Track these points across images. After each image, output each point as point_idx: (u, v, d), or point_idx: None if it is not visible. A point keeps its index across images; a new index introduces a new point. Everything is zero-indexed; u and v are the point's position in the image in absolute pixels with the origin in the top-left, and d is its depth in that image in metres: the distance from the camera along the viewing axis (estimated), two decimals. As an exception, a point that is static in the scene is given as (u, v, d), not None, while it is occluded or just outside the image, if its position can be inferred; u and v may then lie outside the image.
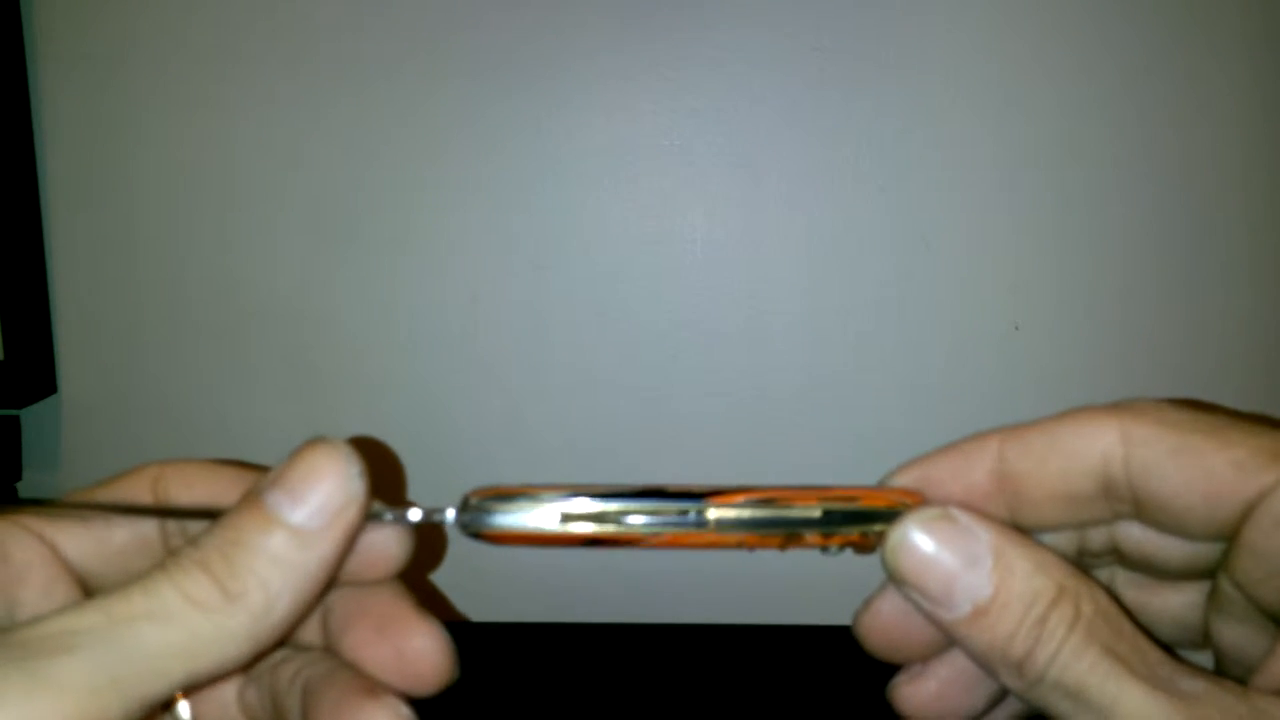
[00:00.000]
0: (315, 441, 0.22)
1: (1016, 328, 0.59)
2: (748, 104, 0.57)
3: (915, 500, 0.24)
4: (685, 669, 0.56)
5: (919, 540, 0.22)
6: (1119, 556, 0.26)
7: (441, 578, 0.60)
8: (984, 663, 0.22)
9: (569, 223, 0.59)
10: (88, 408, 0.61)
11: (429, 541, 0.58)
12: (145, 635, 0.19)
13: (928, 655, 0.26)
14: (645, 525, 0.23)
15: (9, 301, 0.58)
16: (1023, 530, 0.24)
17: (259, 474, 0.23)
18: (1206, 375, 0.59)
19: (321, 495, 0.21)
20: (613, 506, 0.23)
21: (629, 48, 0.57)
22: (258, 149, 0.59)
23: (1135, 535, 0.25)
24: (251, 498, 0.22)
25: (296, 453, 0.22)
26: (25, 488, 0.61)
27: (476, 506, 0.23)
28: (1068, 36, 0.56)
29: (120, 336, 0.61)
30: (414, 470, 0.60)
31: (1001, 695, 0.26)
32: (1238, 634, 0.24)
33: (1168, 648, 0.22)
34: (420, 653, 0.24)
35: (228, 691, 0.26)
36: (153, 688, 0.19)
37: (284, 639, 0.22)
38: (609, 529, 0.23)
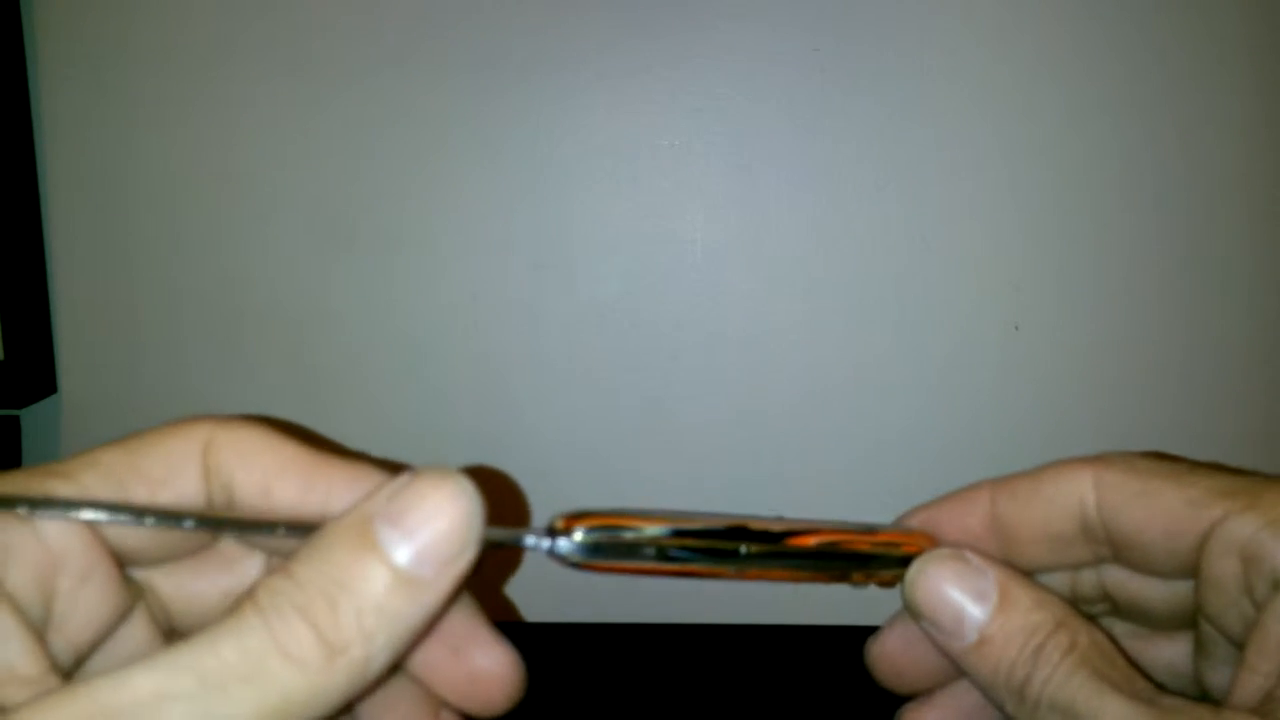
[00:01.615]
0: (433, 471, 0.20)
1: (1016, 328, 0.59)
2: (748, 104, 0.57)
3: (933, 543, 0.27)
4: (684, 669, 0.56)
5: (935, 577, 0.25)
6: (1112, 605, 0.28)
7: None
8: (988, 689, 0.24)
9: (569, 223, 0.59)
10: (88, 408, 0.61)
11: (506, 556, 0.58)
12: (240, 701, 0.17)
13: (934, 686, 0.28)
14: (731, 563, 0.25)
15: (9, 301, 0.58)
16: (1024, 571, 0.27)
17: (329, 462, 0.22)
18: (1206, 375, 0.59)
19: (438, 538, 0.19)
20: (705, 544, 0.25)
21: (629, 48, 0.57)
22: (258, 149, 0.59)
23: (1119, 578, 0.27)
24: (358, 526, 0.19)
25: (413, 481, 0.19)
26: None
27: (570, 533, 0.23)
28: (1068, 36, 0.56)
29: (120, 336, 0.61)
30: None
31: None
32: (1224, 676, 0.25)
33: (1158, 684, 0.23)
34: (494, 676, 0.24)
35: None
36: None
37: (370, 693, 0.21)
38: (700, 565, 0.25)
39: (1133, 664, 0.24)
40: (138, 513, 0.21)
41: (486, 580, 0.61)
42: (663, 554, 0.24)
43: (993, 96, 0.57)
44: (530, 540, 0.23)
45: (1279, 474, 0.26)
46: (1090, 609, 0.28)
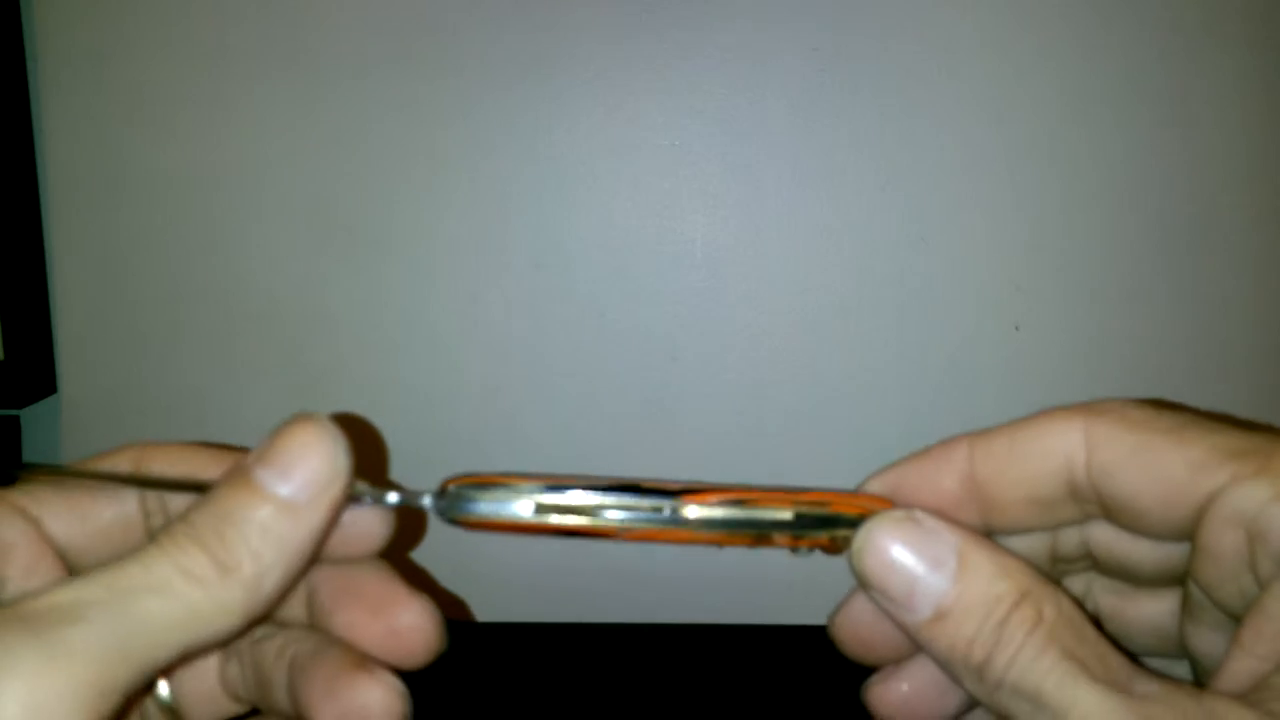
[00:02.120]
0: (300, 417, 0.22)
1: (1017, 328, 0.59)
2: (748, 104, 0.57)
3: (884, 505, 0.24)
4: (679, 669, 0.56)
5: (883, 543, 0.23)
6: (1093, 562, 0.26)
7: (459, 575, 0.60)
8: (946, 667, 0.22)
9: (569, 222, 0.59)
10: (88, 408, 0.61)
11: (410, 523, 0.58)
12: (147, 607, 0.20)
13: (901, 657, 0.26)
14: (619, 520, 0.23)
15: (9, 301, 0.58)
16: (990, 535, 0.25)
17: (240, 454, 0.24)
18: (1207, 374, 0.59)
19: (308, 470, 0.22)
20: (588, 500, 0.23)
21: (629, 48, 0.57)
22: (258, 149, 0.59)
23: (1106, 537, 0.25)
24: (239, 472, 0.22)
25: (281, 428, 0.22)
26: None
27: (454, 494, 0.24)
28: (1068, 35, 0.56)
29: (120, 336, 0.61)
30: (413, 470, 0.59)
31: (976, 700, 0.26)
32: (1211, 642, 0.24)
33: (1134, 656, 0.22)
34: (413, 629, 0.24)
35: (209, 668, 0.27)
36: (155, 657, 0.20)
37: (271, 611, 0.22)
38: (583, 521, 0.24)
39: (1105, 635, 0.22)
40: (82, 474, 0.27)
41: (428, 583, 0.61)
42: (543, 511, 0.23)
43: (993, 96, 0.57)
44: (426, 501, 0.24)
45: None
46: (1070, 567, 0.26)
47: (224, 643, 0.22)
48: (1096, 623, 0.22)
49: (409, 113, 0.58)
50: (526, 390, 0.60)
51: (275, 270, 0.60)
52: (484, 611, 0.61)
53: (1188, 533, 0.23)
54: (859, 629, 0.26)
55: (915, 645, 0.23)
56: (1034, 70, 0.57)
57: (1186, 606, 0.24)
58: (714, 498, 0.24)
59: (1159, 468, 0.22)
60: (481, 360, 0.60)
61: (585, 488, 0.24)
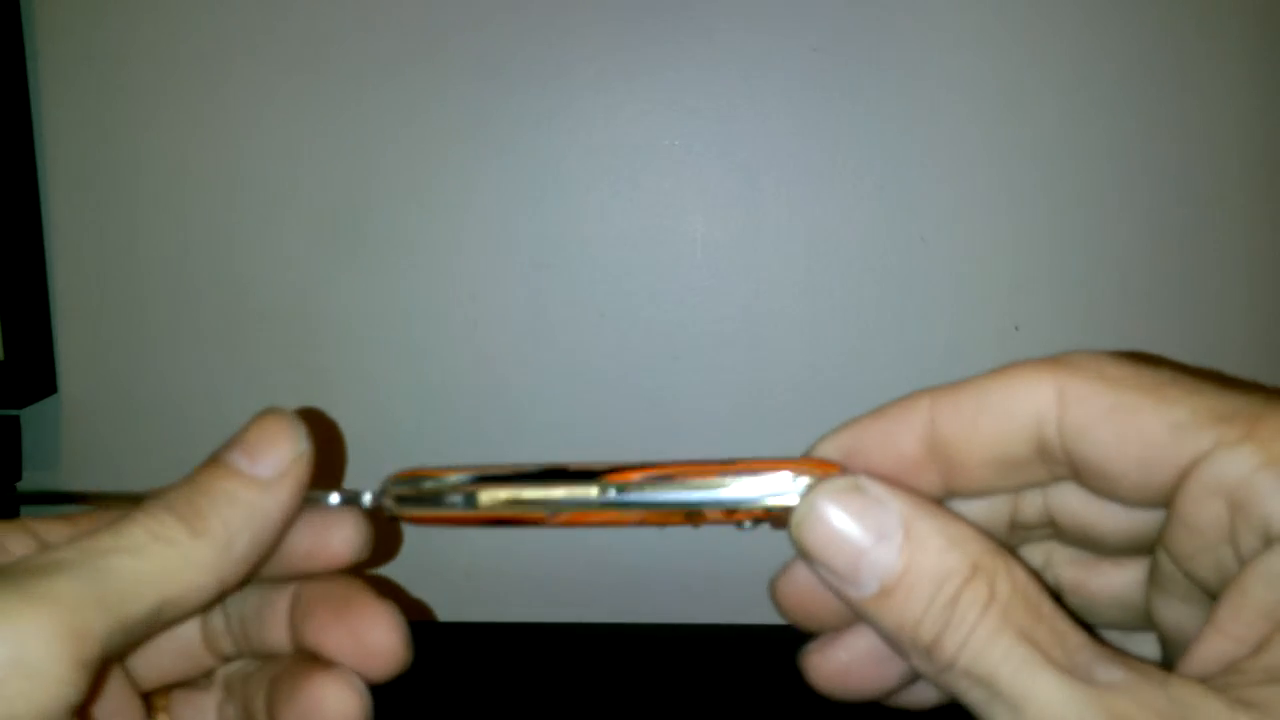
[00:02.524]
0: (267, 410, 0.25)
1: (1016, 328, 0.59)
2: (747, 104, 0.57)
3: (829, 470, 0.23)
4: (672, 670, 0.56)
5: (826, 513, 0.21)
6: (1056, 529, 0.24)
7: (432, 575, 0.60)
8: (893, 644, 0.21)
9: (569, 222, 0.59)
10: (88, 408, 0.61)
11: (386, 537, 0.58)
12: (120, 563, 0.21)
13: (845, 625, 0.24)
14: (546, 504, 0.23)
15: (9, 301, 0.58)
16: (950, 499, 0.23)
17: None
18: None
19: (275, 451, 0.24)
20: (515, 492, 0.24)
21: (629, 48, 0.57)
22: (258, 149, 0.59)
23: (1072, 502, 0.23)
24: (212, 458, 0.24)
25: (252, 420, 0.25)
26: (25, 488, 0.61)
27: (390, 491, 0.25)
28: (1066, 35, 0.56)
29: (120, 336, 0.61)
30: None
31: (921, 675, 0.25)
32: (1180, 614, 0.22)
33: (1095, 631, 0.21)
34: (377, 638, 0.25)
35: (208, 706, 0.27)
36: (130, 610, 0.21)
37: (242, 580, 0.24)
38: (512, 510, 0.24)
39: (1065, 609, 0.20)
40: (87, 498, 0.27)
41: (394, 590, 0.61)
42: (472, 503, 0.24)
43: (993, 96, 0.57)
44: (366, 499, 0.25)
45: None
46: (1030, 534, 0.25)
47: (198, 608, 0.22)
48: (1056, 596, 0.21)
49: (409, 114, 0.58)
50: (527, 389, 0.60)
51: (276, 270, 0.60)
52: (475, 612, 0.61)
53: (1163, 499, 0.21)
54: (801, 594, 0.24)
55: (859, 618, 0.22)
56: (1035, 70, 0.57)
57: (1155, 577, 0.23)
58: (638, 475, 0.23)
59: (1137, 429, 0.21)
60: (482, 359, 0.60)
61: (511, 477, 0.24)
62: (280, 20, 0.58)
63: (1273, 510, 0.19)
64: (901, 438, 0.23)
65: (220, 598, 0.23)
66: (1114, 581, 0.24)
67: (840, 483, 0.22)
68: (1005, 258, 0.58)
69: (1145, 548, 0.23)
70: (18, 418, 0.60)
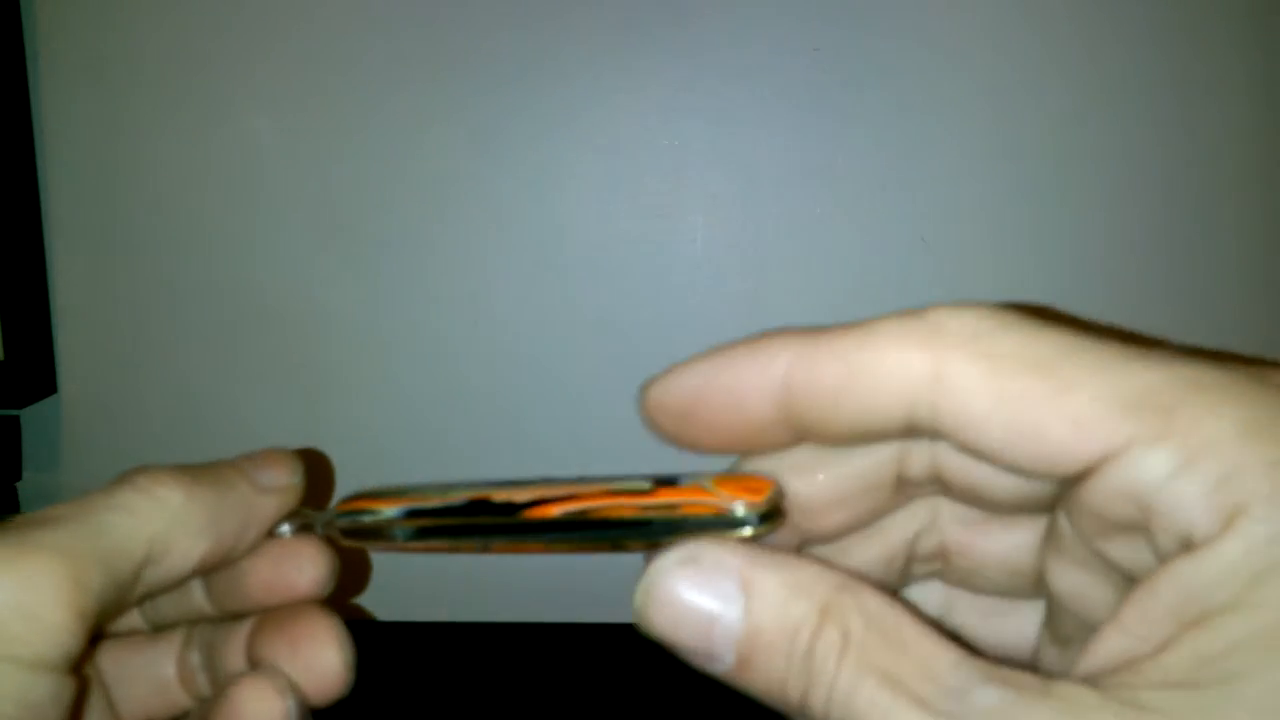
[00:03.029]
0: (274, 449, 0.27)
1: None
2: (748, 104, 0.57)
3: (758, 491, 0.21)
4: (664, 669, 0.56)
5: (665, 595, 0.20)
6: (943, 485, 0.22)
7: (423, 574, 0.60)
8: (774, 704, 0.20)
9: (568, 222, 0.59)
10: (88, 408, 0.61)
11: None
12: (112, 518, 0.22)
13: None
14: (474, 539, 0.24)
15: (9, 301, 0.58)
16: (778, 548, 0.21)
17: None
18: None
19: (275, 470, 0.26)
20: (443, 522, 0.24)
21: (629, 47, 0.57)
22: (258, 149, 0.59)
23: (959, 462, 0.21)
24: (218, 461, 0.26)
25: (260, 453, 0.27)
26: (25, 488, 0.61)
27: (334, 521, 0.26)
28: (1070, 34, 0.56)
29: (120, 336, 0.61)
30: (411, 472, 0.59)
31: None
32: (1076, 581, 0.21)
33: (965, 644, 0.19)
34: (318, 651, 0.26)
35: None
36: (122, 565, 0.22)
37: (226, 560, 0.25)
38: (445, 543, 0.24)
39: (928, 623, 0.19)
40: None
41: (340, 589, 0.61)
42: (410, 534, 0.24)
43: (995, 96, 0.57)
44: (318, 528, 0.27)
45: (1215, 349, 0.19)
46: (918, 491, 0.22)
47: (182, 574, 0.24)
48: (934, 617, 0.20)
49: (408, 114, 0.58)
50: (526, 390, 0.60)
51: (275, 271, 0.60)
52: (469, 612, 0.61)
53: (1064, 487, 0.19)
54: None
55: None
56: (1036, 70, 0.57)
57: (1051, 541, 0.21)
58: (557, 510, 0.23)
59: (1031, 425, 0.18)
60: (480, 360, 0.60)
61: (439, 511, 0.24)
62: (281, 20, 0.58)
63: (1194, 518, 0.17)
64: (750, 399, 0.21)
65: (201, 572, 0.25)
66: (1003, 544, 0.22)
67: (673, 557, 0.20)
68: (1007, 259, 0.58)
69: (1038, 508, 0.21)
70: (18, 418, 0.60)
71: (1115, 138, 0.57)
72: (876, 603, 0.19)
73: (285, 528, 0.27)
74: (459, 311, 0.60)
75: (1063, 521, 0.20)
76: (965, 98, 0.57)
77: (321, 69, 0.58)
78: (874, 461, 0.22)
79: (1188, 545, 0.17)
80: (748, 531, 0.21)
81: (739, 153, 0.58)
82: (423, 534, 0.24)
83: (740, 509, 0.21)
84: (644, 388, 0.23)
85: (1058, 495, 0.20)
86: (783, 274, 0.59)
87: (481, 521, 0.23)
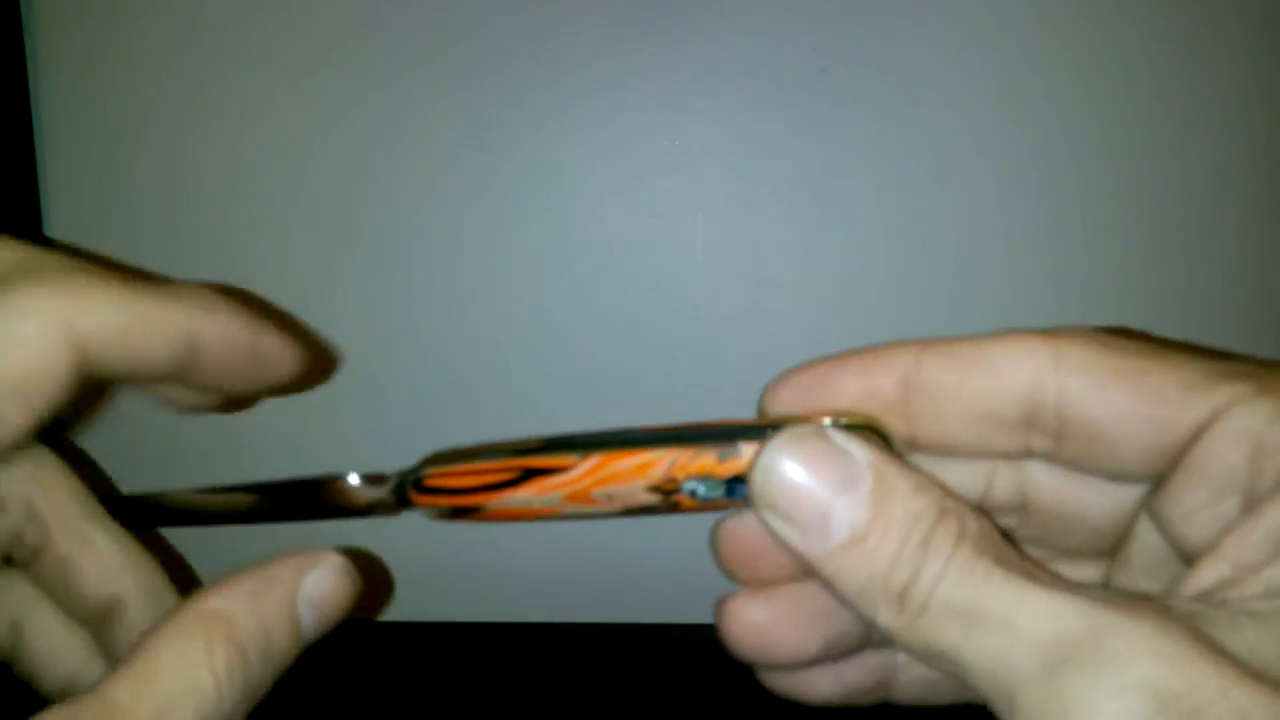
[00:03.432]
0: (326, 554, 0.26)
1: (1017, 328, 0.59)
2: (748, 104, 0.57)
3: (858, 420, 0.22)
4: (661, 670, 0.56)
5: (789, 463, 0.20)
6: (1024, 514, 0.24)
7: (424, 574, 0.60)
8: (860, 598, 0.20)
9: (568, 222, 0.59)
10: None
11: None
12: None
13: (782, 579, 0.23)
14: (529, 503, 0.24)
15: (9, 301, 0.58)
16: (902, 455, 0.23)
17: None
18: (1208, 376, 0.59)
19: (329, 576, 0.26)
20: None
21: (629, 47, 0.57)
22: (258, 150, 0.59)
23: (1049, 480, 0.23)
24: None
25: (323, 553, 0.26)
26: (25, 488, 0.61)
27: (407, 477, 0.25)
28: (1072, 37, 0.56)
29: (120, 336, 0.61)
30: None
31: (836, 651, 0.24)
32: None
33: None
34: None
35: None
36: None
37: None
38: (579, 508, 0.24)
39: (1025, 555, 0.20)
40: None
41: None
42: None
43: (996, 97, 0.57)
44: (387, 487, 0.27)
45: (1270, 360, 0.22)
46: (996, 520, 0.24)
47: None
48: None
49: (408, 114, 0.58)
50: (525, 390, 0.60)
51: (275, 271, 0.60)
52: (466, 612, 0.61)
53: (1162, 466, 0.21)
54: (748, 544, 0.23)
55: (809, 574, 0.21)
56: (1037, 70, 0.57)
57: (1115, 575, 0.23)
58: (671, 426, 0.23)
59: (1148, 390, 0.21)
60: (482, 360, 0.60)
61: (543, 445, 0.24)
62: (281, 20, 0.58)
63: None
64: (879, 377, 0.23)
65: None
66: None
67: (801, 430, 0.21)
68: (1008, 259, 0.58)
69: (1107, 548, 0.23)
70: (17, 418, 0.60)
71: (1117, 137, 0.57)
72: (984, 519, 0.20)
73: (354, 477, 0.27)
74: (458, 311, 0.60)
75: (1134, 549, 0.22)
76: (967, 97, 0.57)
77: (321, 68, 0.58)
78: (961, 483, 0.23)
79: None
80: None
81: (739, 153, 0.58)
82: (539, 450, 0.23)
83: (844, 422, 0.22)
84: (769, 385, 0.25)
85: (1149, 510, 0.22)
86: (783, 274, 0.59)
87: (599, 436, 0.24)
